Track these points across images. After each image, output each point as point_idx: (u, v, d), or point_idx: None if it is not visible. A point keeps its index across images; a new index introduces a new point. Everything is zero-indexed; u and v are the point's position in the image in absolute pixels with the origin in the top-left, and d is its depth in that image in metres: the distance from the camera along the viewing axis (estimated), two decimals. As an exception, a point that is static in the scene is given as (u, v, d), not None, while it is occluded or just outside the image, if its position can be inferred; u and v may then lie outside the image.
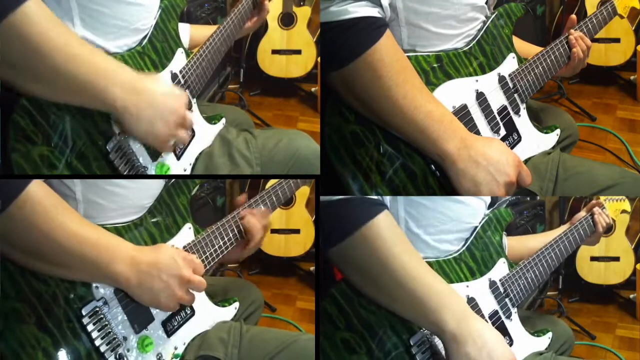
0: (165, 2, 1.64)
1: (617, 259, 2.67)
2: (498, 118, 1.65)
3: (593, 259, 2.66)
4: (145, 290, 1.47)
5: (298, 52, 2.85)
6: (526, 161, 1.69)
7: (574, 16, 1.81)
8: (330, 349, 1.52)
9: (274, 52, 2.85)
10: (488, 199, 1.64)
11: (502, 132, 1.66)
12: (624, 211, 1.95)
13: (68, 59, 1.40)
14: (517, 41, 1.71)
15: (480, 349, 1.40)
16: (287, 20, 2.85)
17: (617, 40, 2.64)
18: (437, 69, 1.59)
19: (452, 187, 1.53)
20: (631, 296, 2.66)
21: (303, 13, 2.84)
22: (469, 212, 1.61)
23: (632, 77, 2.67)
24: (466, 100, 1.61)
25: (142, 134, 1.49)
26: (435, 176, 1.55)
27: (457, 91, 1.61)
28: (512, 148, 1.66)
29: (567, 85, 2.65)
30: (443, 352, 1.51)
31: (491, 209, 1.65)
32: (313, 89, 2.84)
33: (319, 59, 2.75)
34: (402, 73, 1.49)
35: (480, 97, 1.63)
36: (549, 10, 2.73)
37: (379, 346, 1.51)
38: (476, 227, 1.61)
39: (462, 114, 1.60)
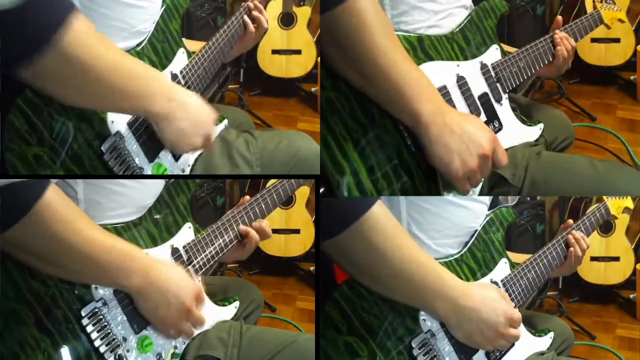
0: (167, 1, 1.64)
1: (617, 259, 2.67)
2: (478, 102, 1.63)
3: (593, 259, 2.66)
4: (148, 303, 1.49)
5: (298, 52, 2.85)
6: (507, 149, 1.65)
7: (559, 17, 1.84)
8: (333, 353, 1.52)
9: (274, 52, 2.85)
10: (488, 202, 1.64)
11: (483, 117, 1.64)
12: (626, 208, 1.94)
13: (113, 72, 1.42)
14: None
15: None
16: (287, 20, 2.85)
17: (617, 40, 2.64)
18: (418, 49, 1.58)
19: (426, 155, 1.48)
20: (631, 296, 2.66)
21: (303, 13, 2.84)
22: (471, 216, 1.61)
23: (632, 77, 2.67)
24: (446, 82, 1.60)
25: (172, 141, 1.52)
26: (409, 150, 1.52)
27: (438, 73, 1.59)
28: None
29: (567, 85, 2.65)
30: (444, 352, 1.54)
31: (492, 210, 1.65)
32: (313, 89, 2.83)
33: (319, 59, 2.75)
34: (386, 27, 1.47)
35: (461, 81, 1.61)
36: (549, 10, 2.72)
37: (381, 349, 1.52)
38: (477, 230, 1.62)
39: (442, 93, 1.57)
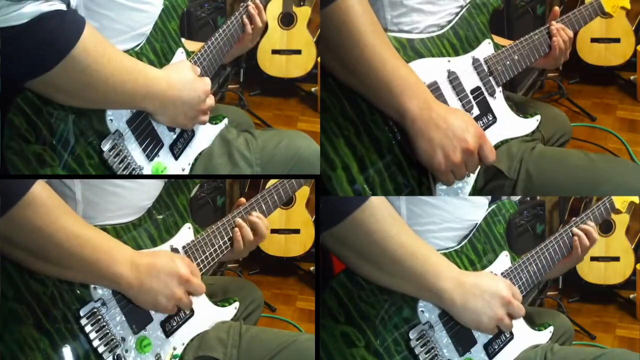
0: (166, 2, 1.64)
1: (617, 259, 2.67)
2: (471, 97, 1.64)
3: (593, 259, 2.66)
4: (144, 292, 1.48)
5: (298, 52, 2.85)
6: (503, 143, 1.69)
7: (557, 8, 1.82)
8: (330, 343, 1.53)
9: (274, 52, 2.85)
10: (489, 197, 1.64)
11: (476, 111, 1.65)
12: (632, 203, 1.92)
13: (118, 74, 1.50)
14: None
15: None
16: (287, 20, 2.85)
17: (617, 40, 2.64)
18: (408, 48, 1.59)
19: (412, 149, 1.51)
20: (631, 296, 2.66)
21: (303, 13, 2.84)
22: (471, 208, 1.61)
23: (632, 77, 2.67)
24: (437, 78, 1.60)
25: (167, 123, 1.62)
26: (399, 145, 1.54)
27: (428, 69, 1.60)
28: (486, 128, 1.66)
29: (567, 85, 2.65)
30: (442, 344, 1.54)
31: (495, 201, 1.65)
32: (313, 89, 2.83)
33: (319, 59, 2.75)
34: (374, 25, 1.49)
35: (452, 76, 1.62)
36: (549, 10, 2.72)
37: (378, 339, 1.52)
38: (478, 222, 1.62)
39: (432, 89, 1.58)
